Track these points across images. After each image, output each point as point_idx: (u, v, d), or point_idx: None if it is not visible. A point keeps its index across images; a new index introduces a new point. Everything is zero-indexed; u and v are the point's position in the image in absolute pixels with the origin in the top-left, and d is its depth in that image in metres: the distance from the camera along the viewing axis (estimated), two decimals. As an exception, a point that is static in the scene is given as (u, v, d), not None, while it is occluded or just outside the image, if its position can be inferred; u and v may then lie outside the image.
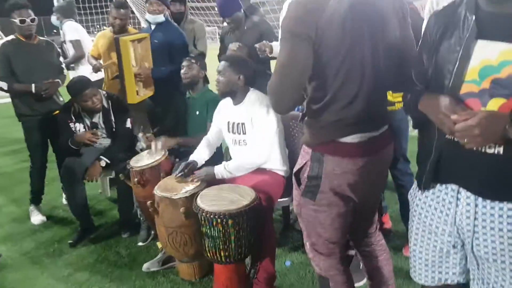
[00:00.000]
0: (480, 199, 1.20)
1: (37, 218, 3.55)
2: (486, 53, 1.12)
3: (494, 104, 1.12)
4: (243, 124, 2.51)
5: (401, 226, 2.78)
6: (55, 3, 6.24)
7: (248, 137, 2.50)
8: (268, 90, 1.52)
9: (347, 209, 1.62)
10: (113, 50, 3.49)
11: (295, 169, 1.66)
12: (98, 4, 8.89)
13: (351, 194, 1.57)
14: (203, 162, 2.63)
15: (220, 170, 2.38)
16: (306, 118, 1.63)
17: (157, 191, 2.33)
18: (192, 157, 2.61)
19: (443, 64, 1.21)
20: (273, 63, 3.19)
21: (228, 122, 2.60)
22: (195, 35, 3.85)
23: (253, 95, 2.52)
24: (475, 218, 1.22)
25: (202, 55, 3.77)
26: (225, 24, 3.79)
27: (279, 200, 2.50)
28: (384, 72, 1.48)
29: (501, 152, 1.13)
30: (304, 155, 1.61)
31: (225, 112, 2.64)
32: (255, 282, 2.21)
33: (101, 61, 3.78)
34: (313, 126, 1.57)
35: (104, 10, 8.92)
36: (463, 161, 1.21)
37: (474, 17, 1.14)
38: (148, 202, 2.36)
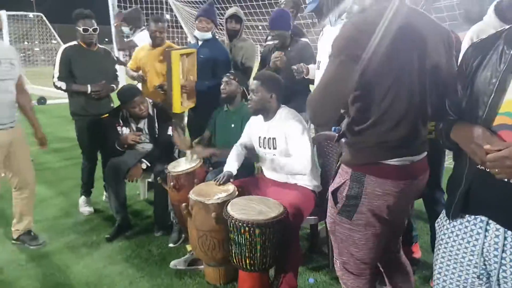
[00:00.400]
0: (509, 232, 1.21)
1: (85, 209, 3.86)
2: None
3: None
4: (274, 139, 2.63)
5: (430, 257, 2.77)
6: (111, 13, 6.63)
7: (277, 152, 2.62)
8: (308, 103, 1.52)
9: (382, 230, 1.62)
10: (152, 62, 3.75)
11: (332, 187, 1.70)
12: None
13: (388, 216, 1.59)
14: (236, 172, 2.76)
15: (266, 156, 2.59)
16: (347, 138, 1.67)
17: (192, 195, 2.48)
18: (227, 168, 2.75)
19: (478, 95, 1.23)
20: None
21: (259, 137, 2.74)
22: (244, 53, 4.01)
23: (284, 111, 2.65)
24: (503, 251, 1.22)
25: (249, 70, 3.93)
26: (267, 43, 3.95)
27: (307, 217, 2.59)
28: (428, 98, 1.52)
29: None
30: (343, 174, 1.64)
31: (256, 127, 2.78)
32: (277, 293, 2.30)
33: (140, 73, 3.98)
34: (355, 146, 1.61)
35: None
36: (493, 193, 1.22)
37: (511, 52, 1.18)
38: (183, 205, 2.52)
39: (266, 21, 5.85)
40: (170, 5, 7.93)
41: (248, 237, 2.08)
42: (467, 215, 1.32)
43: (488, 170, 1.16)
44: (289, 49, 3.45)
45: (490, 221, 1.25)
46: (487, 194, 1.24)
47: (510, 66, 1.17)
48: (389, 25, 1.40)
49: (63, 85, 3.62)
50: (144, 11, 7.13)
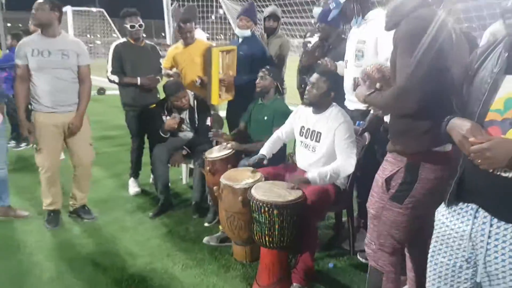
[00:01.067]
0: (495, 219, 1.33)
1: (134, 189, 4.28)
2: None
3: None
4: (319, 133, 2.76)
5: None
6: (165, 9, 7.06)
7: (319, 146, 2.76)
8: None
9: (426, 212, 1.77)
10: (186, 59, 4.05)
11: (384, 175, 1.89)
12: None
13: (433, 198, 1.72)
14: (271, 156, 2.99)
15: (314, 178, 2.54)
16: (393, 127, 1.85)
17: (223, 180, 2.75)
18: (262, 151, 2.98)
19: (475, 94, 1.38)
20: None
21: (303, 127, 2.90)
22: (280, 49, 4.24)
23: (335, 110, 2.75)
24: (489, 237, 1.34)
25: (282, 63, 4.14)
26: (306, 39, 4.10)
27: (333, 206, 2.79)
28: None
29: None
30: (396, 163, 1.85)
31: (303, 116, 2.91)
32: (293, 272, 2.51)
33: (175, 70, 4.25)
34: (407, 134, 1.80)
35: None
36: (482, 182, 1.35)
37: (507, 54, 1.31)
38: (215, 188, 2.79)
39: (303, 18, 6.03)
40: (220, 2, 8.27)
41: (267, 217, 2.31)
42: (460, 203, 1.45)
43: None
44: (331, 46, 3.53)
45: (480, 209, 1.38)
46: (477, 183, 1.37)
47: (503, 68, 1.31)
48: (440, 29, 1.61)
49: (116, 78, 4.04)
50: (197, 8, 7.54)
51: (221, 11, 9.07)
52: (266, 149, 3.00)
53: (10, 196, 3.79)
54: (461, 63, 1.66)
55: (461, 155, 1.43)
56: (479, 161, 1.25)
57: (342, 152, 2.62)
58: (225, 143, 3.27)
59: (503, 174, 1.26)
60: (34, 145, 3.46)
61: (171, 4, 6.99)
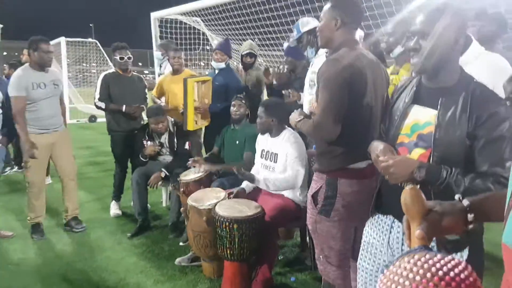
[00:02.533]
0: None
1: (114, 211, 4.51)
2: (417, 115, 1.55)
3: (417, 153, 1.52)
4: (276, 154, 3.07)
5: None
6: (153, 41, 7.43)
7: (277, 166, 3.05)
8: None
9: (354, 223, 1.96)
10: (173, 87, 4.36)
11: (311, 192, 2.11)
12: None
13: (357, 209, 1.92)
14: (251, 190, 3.25)
15: (259, 179, 2.94)
16: (318, 150, 2.09)
17: (189, 201, 2.97)
18: (243, 185, 3.24)
19: (392, 120, 1.64)
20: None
21: (263, 150, 3.21)
22: (256, 80, 4.55)
23: (288, 133, 3.08)
24: (402, 244, 1.59)
25: (259, 94, 4.47)
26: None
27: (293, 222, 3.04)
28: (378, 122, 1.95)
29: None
30: (318, 180, 2.08)
31: (262, 142, 3.25)
32: (253, 283, 2.72)
33: (162, 99, 4.59)
34: (326, 156, 2.04)
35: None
36: (394, 196, 1.46)
37: (415, 89, 1.59)
38: (182, 209, 3.01)
39: (279, 50, 6.47)
40: (206, 36, 8.69)
41: (228, 231, 2.54)
42: (380, 214, 1.68)
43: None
44: (298, 76, 3.84)
45: (395, 220, 1.61)
46: (391, 197, 1.59)
47: (411, 99, 1.58)
48: (352, 70, 1.89)
49: (102, 105, 4.32)
50: (184, 41, 7.94)
51: (213, 43, 9.47)
52: (245, 184, 3.26)
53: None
54: (380, 95, 1.96)
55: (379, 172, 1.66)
56: (387, 176, 1.47)
57: (291, 169, 2.90)
58: (197, 168, 3.51)
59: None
60: (24, 163, 3.90)
61: (160, 38, 7.34)
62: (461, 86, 1.49)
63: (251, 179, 3.00)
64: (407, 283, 0.73)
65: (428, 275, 0.72)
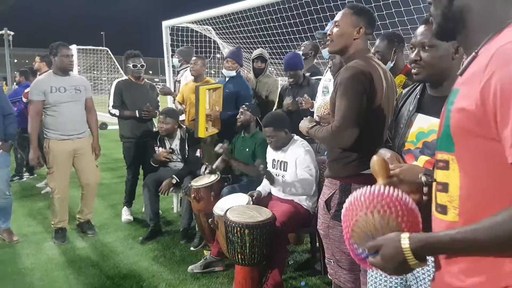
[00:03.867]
0: None
1: (126, 217, 4.57)
2: (421, 123, 1.60)
3: (422, 160, 1.57)
4: (285, 162, 3.15)
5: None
6: (164, 49, 7.54)
7: (287, 174, 3.12)
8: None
9: None
10: (192, 96, 4.42)
11: (323, 198, 2.15)
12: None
13: None
14: (266, 193, 3.34)
15: (279, 181, 3.10)
16: (330, 157, 2.14)
17: (216, 210, 2.96)
18: (258, 188, 3.34)
19: (398, 128, 1.70)
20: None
21: (274, 159, 3.28)
22: (268, 88, 4.61)
23: (296, 141, 3.18)
24: None
25: (271, 103, 4.53)
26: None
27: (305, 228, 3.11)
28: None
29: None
30: (331, 186, 2.12)
31: (272, 152, 3.33)
32: (264, 287, 2.75)
33: (184, 105, 4.65)
34: (339, 162, 2.08)
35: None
36: None
37: (418, 97, 1.64)
38: (209, 220, 3.02)
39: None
40: (218, 44, 8.80)
41: (239, 236, 2.58)
42: None
43: None
44: (302, 85, 3.98)
45: None
46: None
47: (415, 107, 1.63)
48: (370, 77, 1.95)
49: (116, 112, 4.41)
50: (195, 49, 8.05)
51: (225, 51, 9.59)
52: (261, 187, 3.36)
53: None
54: (391, 103, 2.01)
55: None
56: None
57: (301, 176, 2.99)
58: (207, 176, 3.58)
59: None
60: (47, 169, 3.96)
61: (171, 46, 7.45)
62: None
63: (271, 178, 3.13)
64: (363, 207, 1.10)
65: (376, 200, 1.08)
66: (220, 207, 3.03)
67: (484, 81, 0.83)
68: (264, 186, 3.37)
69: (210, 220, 3.03)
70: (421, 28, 1.61)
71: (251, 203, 3.04)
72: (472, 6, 0.97)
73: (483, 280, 0.89)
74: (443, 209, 1.00)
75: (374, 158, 1.37)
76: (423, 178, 1.29)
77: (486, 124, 0.83)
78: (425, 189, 1.26)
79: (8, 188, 3.98)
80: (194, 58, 4.60)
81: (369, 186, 1.15)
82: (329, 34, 2.08)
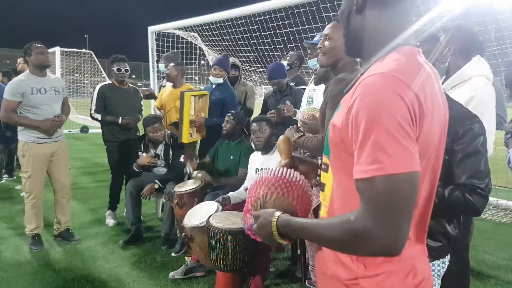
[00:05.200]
0: None
1: (111, 221, 4.53)
2: None
3: None
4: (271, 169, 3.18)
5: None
6: (150, 54, 7.54)
7: None
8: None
9: None
10: (172, 100, 4.44)
11: (312, 207, 2.19)
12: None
13: None
14: (237, 201, 3.34)
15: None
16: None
17: (186, 223, 2.91)
18: (229, 194, 3.35)
19: None
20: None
21: (257, 169, 3.31)
22: (246, 95, 4.69)
23: None
24: None
25: (250, 111, 4.60)
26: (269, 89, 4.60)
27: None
28: None
29: None
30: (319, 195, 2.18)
31: (256, 160, 3.38)
32: (246, 294, 2.78)
33: (162, 111, 4.66)
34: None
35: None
36: None
37: None
38: (183, 234, 2.98)
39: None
40: (203, 51, 8.84)
41: (222, 242, 2.60)
42: None
43: None
44: (285, 93, 4.07)
45: None
46: None
47: None
48: None
49: (99, 116, 4.39)
50: (180, 55, 8.07)
51: (209, 58, 9.63)
52: (234, 193, 3.37)
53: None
54: None
55: None
56: None
57: None
58: (195, 173, 3.59)
59: None
60: (22, 173, 3.88)
61: (157, 51, 7.45)
62: None
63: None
64: (266, 187, 1.28)
65: (276, 176, 1.30)
66: (188, 219, 2.99)
67: (348, 106, 0.93)
68: (240, 194, 3.38)
69: (183, 234, 3.00)
70: None
71: (220, 209, 3.03)
72: (365, 27, 1.05)
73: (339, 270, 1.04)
74: (320, 205, 1.17)
75: (281, 137, 1.59)
76: (319, 161, 1.41)
77: (347, 142, 0.94)
78: (319, 171, 1.35)
79: None
80: (170, 65, 4.59)
81: (273, 168, 1.36)
82: (320, 47, 2.11)
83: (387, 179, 0.84)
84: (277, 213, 1.12)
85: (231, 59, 4.55)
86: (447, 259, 1.74)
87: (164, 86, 5.40)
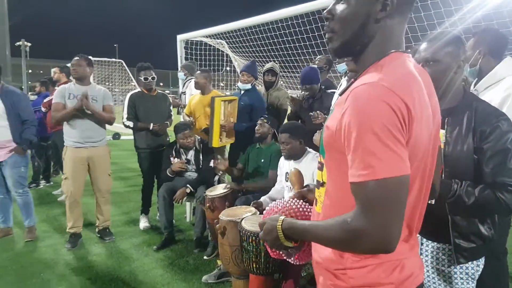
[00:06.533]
0: (424, 239, 1.76)
1: (144, 224, 4.68)
2: None
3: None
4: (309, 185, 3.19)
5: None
6: (179, 62, 7.74)
7: None
8: None
9: None
10: (202, 107, 4.53)
11: None
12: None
13: None
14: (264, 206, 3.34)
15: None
16: None
17: (223, 217, 2.99)
18: (262, 198, 3.39)
19: None
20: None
21: (287, 173, 3.33)
22: (279, 100, 4.72)
23: (310, 155, 3.25)
24: (421, 254, 1.77)
25: (283, 113, 4.63)
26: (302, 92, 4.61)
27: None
28: None
29: (433, 202, 1.63)
30: None
31: (286, 165, 3.40)
32: (278, 297, 2.80)
33: (192, 119, 4.76)
34: None
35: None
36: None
37: None
38: (217, 225, 3.07)
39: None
40: (230, 57, 8.96)
41: (254, 245, 2.63)
42: None
43: None
44: (315, 98, 4.07)
45: (423, 238, 1.78)
46: None
47: None
48: None
49: (131, 124, 4.53)
50: (207, 62, 8.22)
51: (235, 64, 9.75)
52: (266, 197, 3.40)
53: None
54: None
55: None
56: None
57: None
58: (224, 185, 3.65)
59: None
60: (63, 175, 4.15)
61: (185, 59, 7.63)
62: (465, 105, 1.67)
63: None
64: (278, 211, 1.43)
65: (285, 206, 1.45)
66: (227, 214, 3.05)
67: (341, 112, 0.98)
68: (272, 195, 3.39)
69: (217, 225, 3.04)
70: (423, 45, 1.71)
71: (258, 213, 3.06)
72: (378, 34, 1.06)
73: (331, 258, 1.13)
74: (316, 201, 1.24)
75: (292, 170, 1.81)
76: None
77: (340, 144, 1.00)
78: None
79: (22, 187, 4.21)
80: (198, 72, 4.71)
81: (284, 198, 1.52)
82: None
83: (379, 183, 0.90)
84: (282, 217, 1.20)
85: (270, 64, 4.59)
86: (481, 261, 1.72)
87: (185, 93, 5.62)
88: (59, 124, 4.10)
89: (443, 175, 1.62)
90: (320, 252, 1.17)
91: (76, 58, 4.05)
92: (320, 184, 1.20)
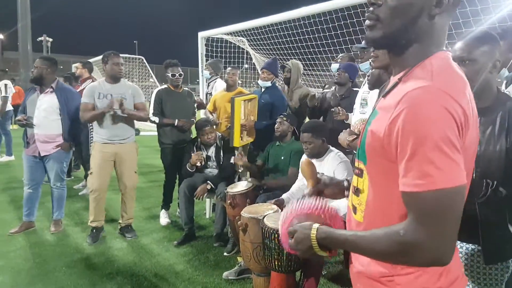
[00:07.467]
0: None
1: (164, 220, 4.74)
2: None
3: None
4: (322, 175, 3.17)
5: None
6: (199, 60, 7.76)
7: None
8: None
9: None
10: (225, 103, 4.57)
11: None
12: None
13: None
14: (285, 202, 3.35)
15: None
16: None
17: (245, 214, 3.00)
18: (283, 196, 3.40)
19: None
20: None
21: None
22: (300, 97, 4.71)
23: (332, 153, 3.23)
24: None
25: (304, 111, 4.60)
26: (324, 90, 4.58)
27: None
28: None
29: None
30: None
31: None
32: (299, 295, 2.80)
33: (214, 115, 4.80)
34: None
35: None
36: None
37: None
38: (239, 222, 3.08)
39: (323, 71, 6.65)
40: (250, 55, 8.96)
41: (277, 243, 2.64)
42: None
43: None
44: (344, 96, 4.02)
45: None
46: None
47: None
48: None
49: (156, 119, 4.59)
50: (227, 60, 8.24)
51: (255, 61, 9.76)
52: (288, 195, 3.40)
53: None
54: None
55: None
56: None
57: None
58: (247, 178, 3.67)
59: None
60: (90, 170, 4.20)
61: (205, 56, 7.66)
62: (498, 105, 1.66)
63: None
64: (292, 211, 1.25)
65: (302, 207, 1.25)
66: (249, 211, 3.05)
67: (393, 117, 0.92)
68: (293, 192, 3.39)
69: (239, 222, 3.04)
70: (459, 44, 1.68)
71: (279, 211, 3.06)
72: (427, 31, 1.00)
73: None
74: (354, 209, 1.17)
75: (303, 159, 1.61)
76: (345, 183, 1.44)
77: (389, 150, 0.95)
78: (346, 192, 1.41)
79: (61, 181, 4.36)
80: (229, 68, 4.77)
81: (304, 199, 1.35)
82: (374, 50, 2.16)
83: (436, 193, 0.86)
84: (316, 225, 1.12)
85: (293, 61, 4.58)
86: (511, 263, 1.69)
87: (211, 94, 5.55)
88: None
89: (474, 175, 1.60)
90: (362, 260, 1.13)
91: (118, 55, 4.09)
92: (360, 191, 1.13)
